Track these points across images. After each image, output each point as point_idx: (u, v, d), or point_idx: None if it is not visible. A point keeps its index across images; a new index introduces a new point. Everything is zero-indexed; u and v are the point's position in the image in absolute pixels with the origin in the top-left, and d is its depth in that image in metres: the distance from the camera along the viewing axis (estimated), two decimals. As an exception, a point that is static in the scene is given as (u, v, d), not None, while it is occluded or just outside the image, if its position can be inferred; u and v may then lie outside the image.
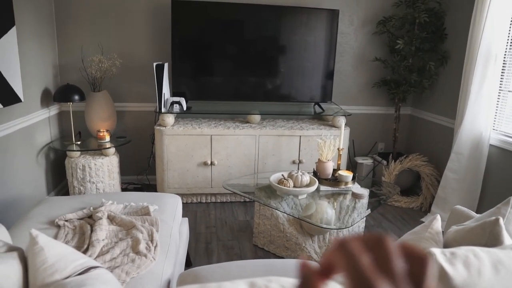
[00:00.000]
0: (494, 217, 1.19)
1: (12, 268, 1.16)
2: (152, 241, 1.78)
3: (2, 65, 2.46)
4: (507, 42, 2.89)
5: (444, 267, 0.89)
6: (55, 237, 1.80)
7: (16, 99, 2.66)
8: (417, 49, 3.56)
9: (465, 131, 3.04)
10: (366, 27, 3.87)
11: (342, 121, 3.51)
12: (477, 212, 3.05)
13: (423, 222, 3.22)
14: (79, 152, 3.15)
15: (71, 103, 3.19)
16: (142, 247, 1.70)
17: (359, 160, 3.92)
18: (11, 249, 1.25)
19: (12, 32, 2.57)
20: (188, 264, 2.44)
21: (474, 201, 3.09)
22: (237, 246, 2.77)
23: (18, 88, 2.67)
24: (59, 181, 3.52)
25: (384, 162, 3.78)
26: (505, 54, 2.91)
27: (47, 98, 3.26)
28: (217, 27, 3.47)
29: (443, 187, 3.23)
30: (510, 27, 2.86)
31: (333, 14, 3.56)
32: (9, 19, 2.55)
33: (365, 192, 2.58)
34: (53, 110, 3.39)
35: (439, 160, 3.64)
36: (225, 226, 3.07)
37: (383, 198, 2.82)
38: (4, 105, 2.50)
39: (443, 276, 0.88)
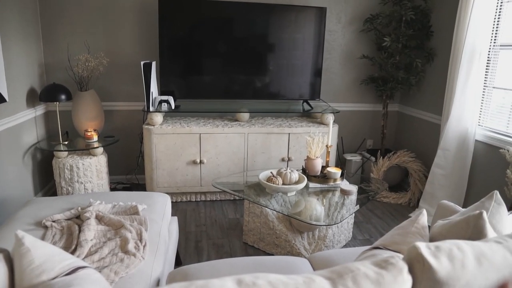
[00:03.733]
0: (478, 211, 1.21)
1: (-2, 269, 1.14)
2: (141, 240, 1.77)
3: (-14, 64, 2.42)
4: (491, 39, 2.94)
5: (429, 261, 0.91)
6: (43, 238, 1.78)
7: (1, 99, 2.62)
8: (404, 46, 3.60)
9: (451, 127, 3.09)
10: (353, 24, 3.90)
11: (330, 118, 3.53)
12: (464, 206, 3.10)
13: (411, 217, 3.26)
14: (66, 152, 3.11)
15: (57, 103, 3.15)
16: (131, 246, 1.69)
17: (348, 157, 3.95)
18: (-4, 250, 1.23)
19: (-4, 31, 2.53)
20: (178, 263, 2.44)
21: (460, 196, 3.14)
22: (227, 244, 2.78)
23: (2, 87, 2.63)
24: (46, 181, 3.47)
25: (373, 158, 3.81)
26: (489, 51, 2.96)
27: (33, 98, 3.22)
28: (205, 25, 3.45)
29: (430, 182, 3.27)
30: (493, 25, 2.91)
31: (321, 12, 3.57)
32: (-7, 18, 2.50)
33: (353, 188, 2.61)
34: (39, 110, 3.35)
35: (426, 156, 3.69)
36: (215, 224, 3.07)
37: (372, 194, 2.85)
38: (-11, 105, 2.46)
39: (428, 269, 0.90)
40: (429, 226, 1.45)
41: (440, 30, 3.53)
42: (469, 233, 1.19)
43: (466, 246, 0.98)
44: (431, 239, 1.33)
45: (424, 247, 0.93)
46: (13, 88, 2.85)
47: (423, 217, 1.35)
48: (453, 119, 3.07)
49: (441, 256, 0.92)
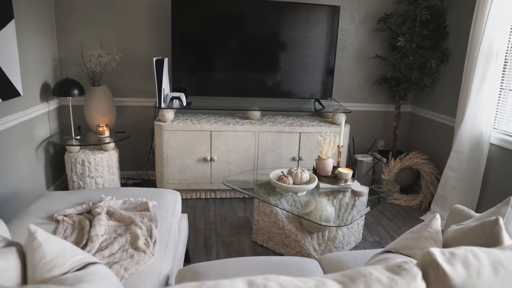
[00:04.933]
0: (494, 217, 1.19)
1: (10, 263, 1.16)
2: (151, 237, 1.78)
3: (0, 59, 2.45)
4: (509, 41, 2.88)
5: (443, 267, 0.89)
6: (54, 232, 1.80)
7: (15, 93, 2.65)
8: (418, 46, 3.55)
9: (465, 130, 3.04)
10: (367, 24, 3.85)
11: (342, 118, 3.51)
12: (476, 211, 3.05)
13: (423, 220, 3.22)
14: (78, 147, 3.14)
15: (70, 98, 3.18)
16: (141, 243, 1.70)
17: (359, 157, 3.92)
18: (9, 244, 1.24)
19: (11, 25, 2.56)
20: (187, 260, 2.44)
21: (473, 200, 3.09)
22: (236, 242, 2.78)
23: (17, 82, 2.66)
24: (58, 175, 3.51)
25: (384, 159, 3.78)
26: (506, 53, 2.90)
27: (47, 92, 3.25)
28: (217, 22, 3.45)
29: (443, 185, 3.23)
30: (512, 26, 2.85)
31: (334, 11, 3.54)
32: (8, 12, 2.53)
33: (364, 189, 2.58)
34: (53, 104, 3.38)
35: (439, 158, 3.64)
36: (224, 222, 3.07)
37: (383, 196, 2.82)
38: (3, 99, 2.49)
39: (442, 276, 0.88)
40: (441, 231, 1.42)
41: (455, 30, 3.48)
42: (485, 239, 1.17)
43: (482, 253, 0.96)
44: (444, 245, 1.31)
45: (438, 253, 0.92)
46: (27, 82, 2.88)
47: (436, 222, 1.33)
48: (468, 121, 3.02)
49: (456, 263, 0.90)
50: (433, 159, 3.70)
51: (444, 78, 3.62)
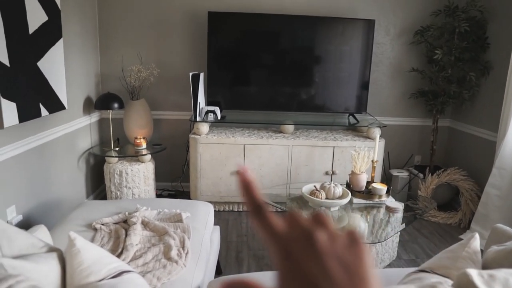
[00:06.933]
0: (537, 238, 1.13)
1: (51, 268, 1.22)
2: (183, 248, 1.81)
3: (49, 75, 2.61)
4: (556, 53, 2.74)
5: (481, 289, 0.85)
6: (92, 240, 1.87)
7: (61, 107, 2.80)
8: (456, 59, 3.45)
9: (508, 145, 2.90)
10: (402, 37, 3.79)
11: (377, 132, 3.44)
12: (521, 231, 2.88)
13: (462, 239, 3.08)
14: (117, 158, 3.26)
15: (110, 111, 3.32)
16: (173, 253, 1.73)
17: (394, 172, 3.82)
18: (51, 249, 1.31)
19: (60, 43, 2.72)
20: (219, 272, 2.46)
21: (518, 219, 2.93)
22: (268, 256, 2.77)
23: (62, 96, 2.81)
24: (97, 185, 3.65)
25: (421, 175, 3.66)
26: (553, 65, 2.76)
27: (89, 106, 3.41)
28: (252, 38, 3.51)
29: (484, 203, 3.08)
30: (559, 37, 2.72)
31: (369, 24, 3.51)
32: (57, 32, 2.70)
33: (399, 206, 2.51)
34: (94, 117, 3.55)
35: (479, 174, 3.48)
36: (256, 235, 3.07)
37: (419, 212, 2.74)
38: (50, 112, 2.64)
39: (480, 298, 0.85)
40: (481, 250, 1.36)
41: (497, 42, 3.35)
42: (527, 261, 1.11)
43: (524, 276, 0.91)
44: (484, 266, 1.25)
45: (476, 275, 0.88)
46: (72, 96, 3.04)
47: (475, 241, 1.28)
48: (511, 136, 2.88)
49: (495, 286, 0.86)
50: (473, 176, 3.54)
51: (485, 92, 3.49)
